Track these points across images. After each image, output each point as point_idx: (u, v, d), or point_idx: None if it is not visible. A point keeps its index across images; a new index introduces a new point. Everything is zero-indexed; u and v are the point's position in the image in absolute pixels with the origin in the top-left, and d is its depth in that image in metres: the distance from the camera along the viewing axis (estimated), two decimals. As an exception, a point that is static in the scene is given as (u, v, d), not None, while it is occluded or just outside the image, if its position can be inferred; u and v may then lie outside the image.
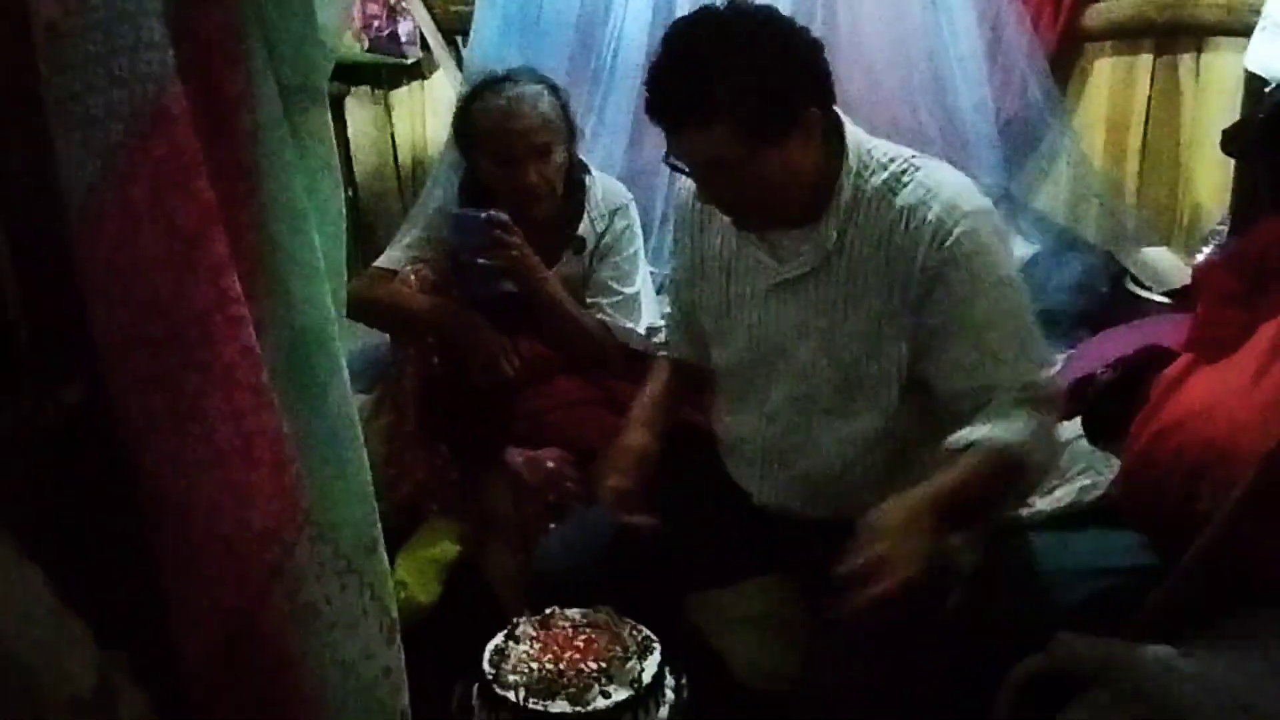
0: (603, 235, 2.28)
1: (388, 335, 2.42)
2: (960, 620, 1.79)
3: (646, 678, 1.61)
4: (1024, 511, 1.90)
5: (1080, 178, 2.84)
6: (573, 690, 1.58)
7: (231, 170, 1.02)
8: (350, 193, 3.53)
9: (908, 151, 1.67)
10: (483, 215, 2.14)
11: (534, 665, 1.62)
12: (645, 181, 2.77)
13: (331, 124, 1.10)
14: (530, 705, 1.57)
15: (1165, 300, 2.54)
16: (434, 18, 3.27)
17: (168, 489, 1.01)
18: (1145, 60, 2.87)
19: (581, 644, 1.67)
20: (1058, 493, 1.91)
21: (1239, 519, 1.44)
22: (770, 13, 1.59)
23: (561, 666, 1.61)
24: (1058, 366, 2.06)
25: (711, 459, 1.93)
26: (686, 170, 1.62)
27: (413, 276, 2.22)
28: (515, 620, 1.73)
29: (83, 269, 0.98)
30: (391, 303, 2.22)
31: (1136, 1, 2.81)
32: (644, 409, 1.90)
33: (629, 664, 1.63)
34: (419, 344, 2.19)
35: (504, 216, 2.14)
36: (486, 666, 1.65)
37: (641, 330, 2.26)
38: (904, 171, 1.62)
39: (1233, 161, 2.40)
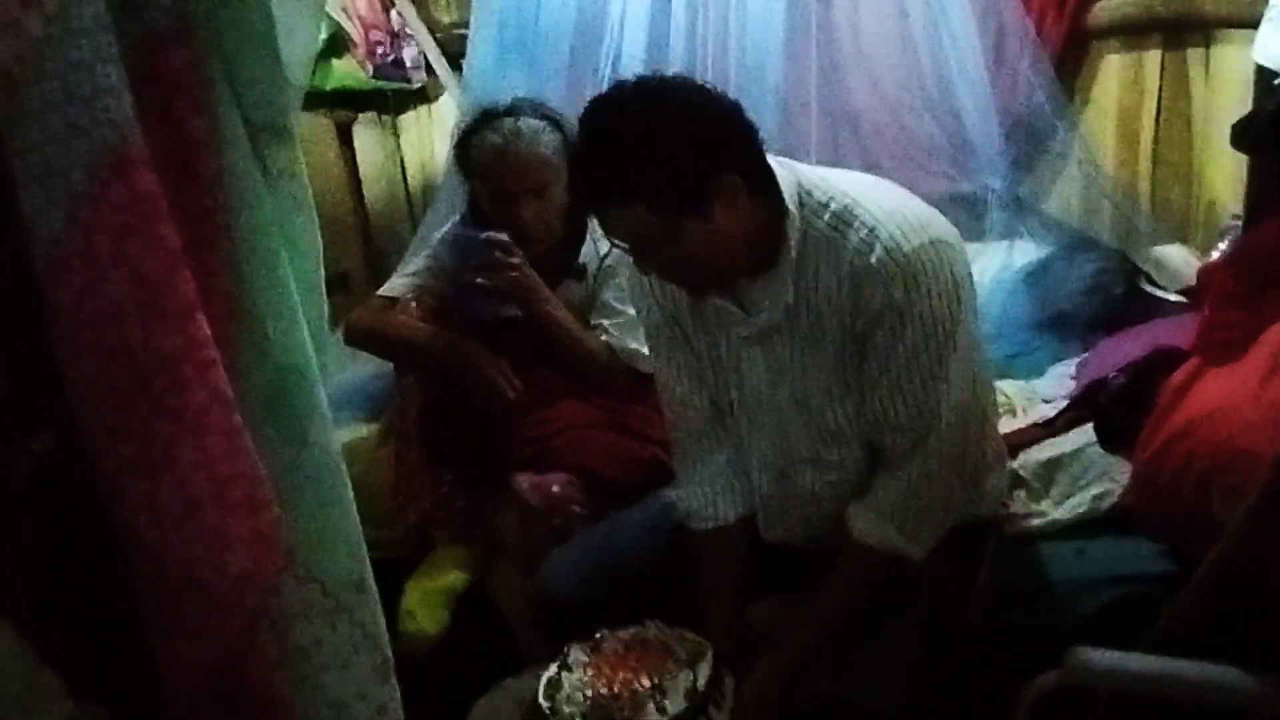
0: (605, 257, 2.26)
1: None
2: (976, 633, 1.77)
3: (701, 684, 1.61)
4: (1038, 521, 1.88)
5: (1090, 178, 2.79)
6: (628, 712, 1.58)
7: (199, 213, 1.01)
8: (361, 217, 3.55)
9: (845, 182, 1.63)
10: (482, 236, 2.13)
11: (588, 692, 1.62)
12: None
13: (303, 160, 1.09)
14: None
15: (1181, 299, 2.49)
16: (438, 42, 3.28)
17: (144, 537, 1.00)
18: (1154, 56, 2.82)
19: (634, 663, 1.66)
20: (1072, 500, 1.88)
21: (1253, 524, 1.40)
22: (680, 84, 1.56)
23: (615, 689, 1.61)
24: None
25: None
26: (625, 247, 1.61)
27: (414, 304, 2.22)
28: (566, 649, 1.71)
29: (51, 316, 0.97)
30: (388, 333, 2.22)
31: (1143, -3, 2.78)
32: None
33: (681, 675, 1.63)
34: (421, 372, 2.19)
35: (503, 237, 2.12)
36: (542, 700, 1.64)
37: (646, 351, 2.24)
38: (845, 209, 1.57)
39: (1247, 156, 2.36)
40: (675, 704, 1.59)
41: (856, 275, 1.54)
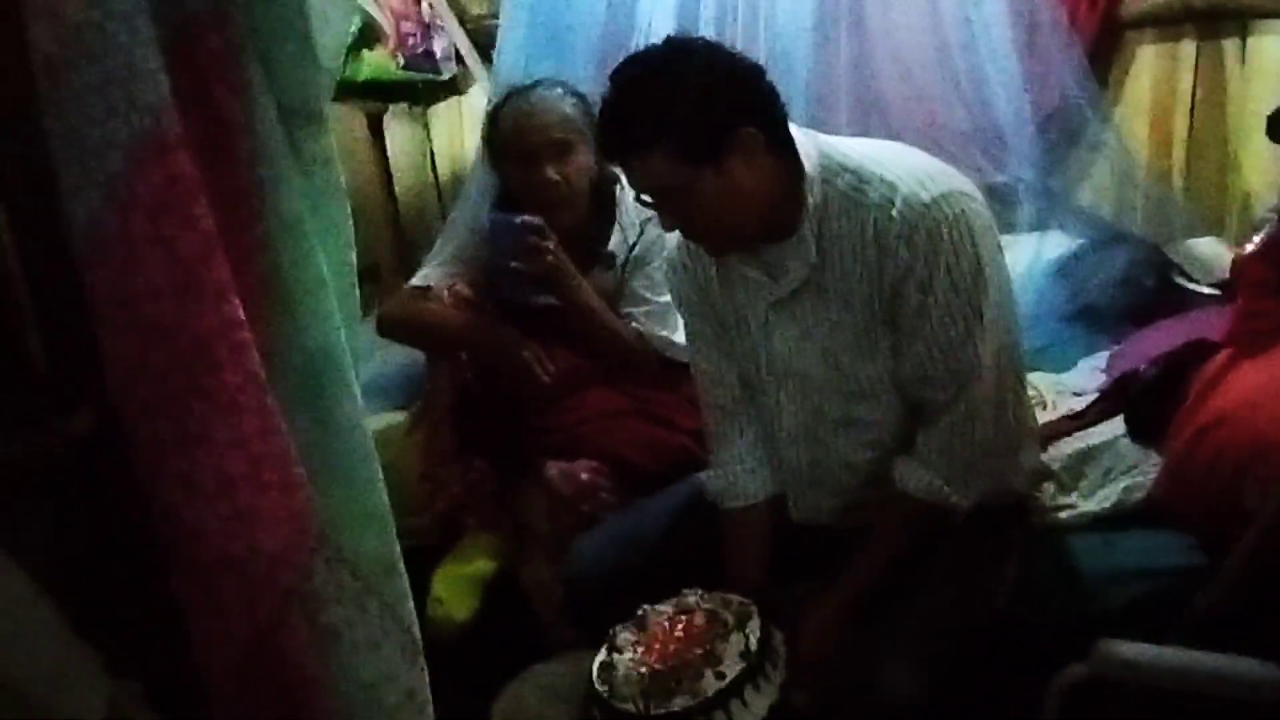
0: (634, 246, 2.26)
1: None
2: (1004, 625, 1.76)
3: (753, 645, 1.61)
4: (1067, 514, 1.87)
5: (1123, 170, 2.78)
6: (687, 682, 1.57)
7: (233, 196, 1.02)
8: (391, 209, 3.56)
9: (864, 145, 1.68)
10: (517, 220, 2.14)
11: (643, 670, 1.61)
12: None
13: (335, 146, 1.10)
14: (653, 712, 1.56)
15: (1213, 292, 2.46)
16: (468, 33, 3.29)
17: (179, 514, 1.01)
18: (1188, 46, 2.80)
19: (681, 634, 1.66)
20: (1102, 493, 1.87)
21: (1284, 518, 1.40)
22: (705, 42, 1.64)
23: (669, 663, 1.60)
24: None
25: None
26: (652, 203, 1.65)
27: (446, 293, 2.23)
28: (612, 631, 1.71)
29: (90, 297, 0.99)
30: (423, 321, 2.23)
31: (1177, -14, 2.76)
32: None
33: (732, 638, 1.62)
34: (453, 360, 2.20)
35: (538, 221, 2.13)
36: (598, 685, 1.64)
37: (676, 339, 2.25)
38: (863, 168, 1.61)
39: (1282, 147, 2.34)
40: (732, 668, 1.58)
41: (879, 231, 1.58)
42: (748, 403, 1.84)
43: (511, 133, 2.21)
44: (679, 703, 1.55)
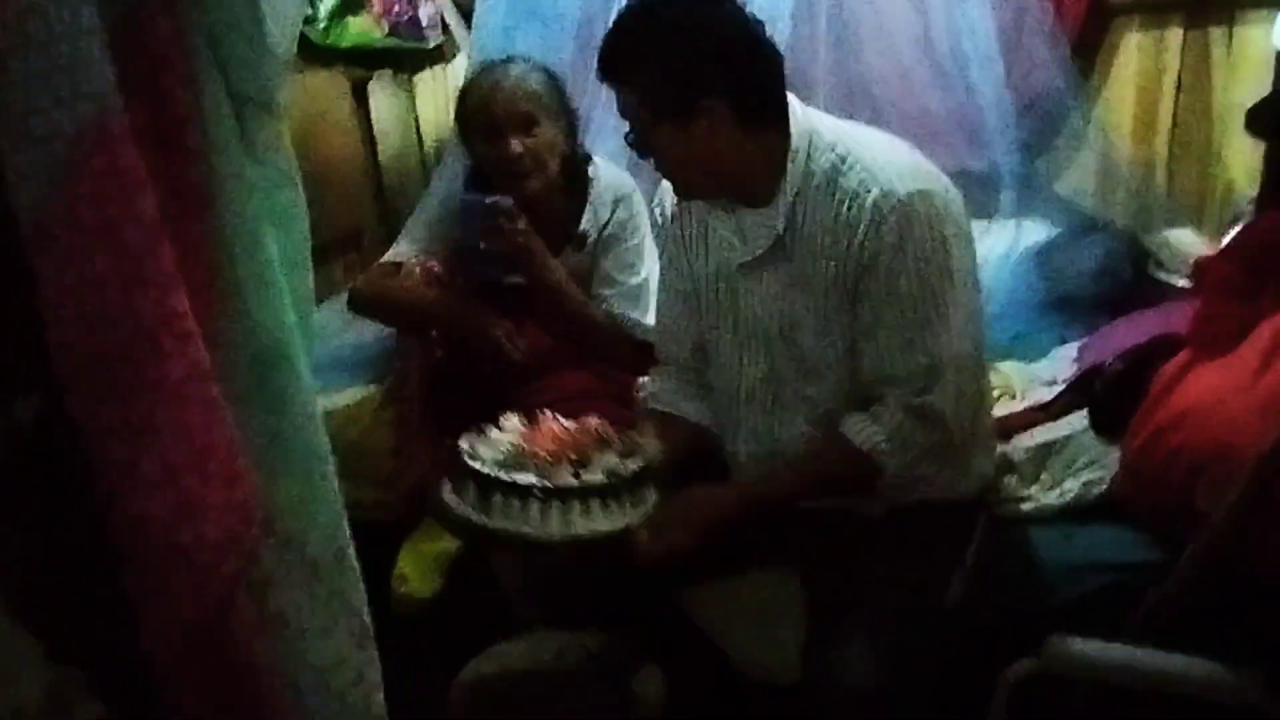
0: (605, 225, 2.26)
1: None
2: (961, 614, 1.78)
3: (625, 472, 1.63)
4: (1027, 506, 1.88)
5: (1106, 158, 2.77)
6: (544, 467, 1.59)
7: (182, 187, 1.01)
8: (375, 176, 3.54)
9: (861, 130, 1.72)
10: (487, 200, 2.14)
11: (509, 445, 1.64)
12: (653, 171, 2.75)
13: (288, 134, 1.09)
14: (498, 476, 1.58)
15: (1188, 284, 2.46)
16: (454, 2, 3.26)
17: (124, 503, 1.01)
18: (1175, 34, 2.79)
19: (565, 437, 1.67)
20: (1063, 486, 1.89)
21: (1237, 519, 1.41)
22: (716, 4, 1.65)
23: (537, 451, 1.62)
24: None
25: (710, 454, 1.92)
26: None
27: (417, 270, 2.22)
28: (505, 415, 1.73)
29: (37, 284, 0.98)
30: (394, 298, 2.23)
31: (1165, -26, 2.74)
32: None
33: (610, 459, 1.64)
34: (424, 337, 2.20)
35: (509, 202, 2.13)
36: (462, 443, 1.66)
37: (648, 321, 2.24)
38: (849, 154, 1.64)
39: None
40: (592, 477, 1.60)
41: (850, 216, 1.61)
42: (699, 366, 1.88)
43: (477, 106, 2.22)
44: (523, 477, 1.57)
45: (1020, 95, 2.70)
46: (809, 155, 1.65)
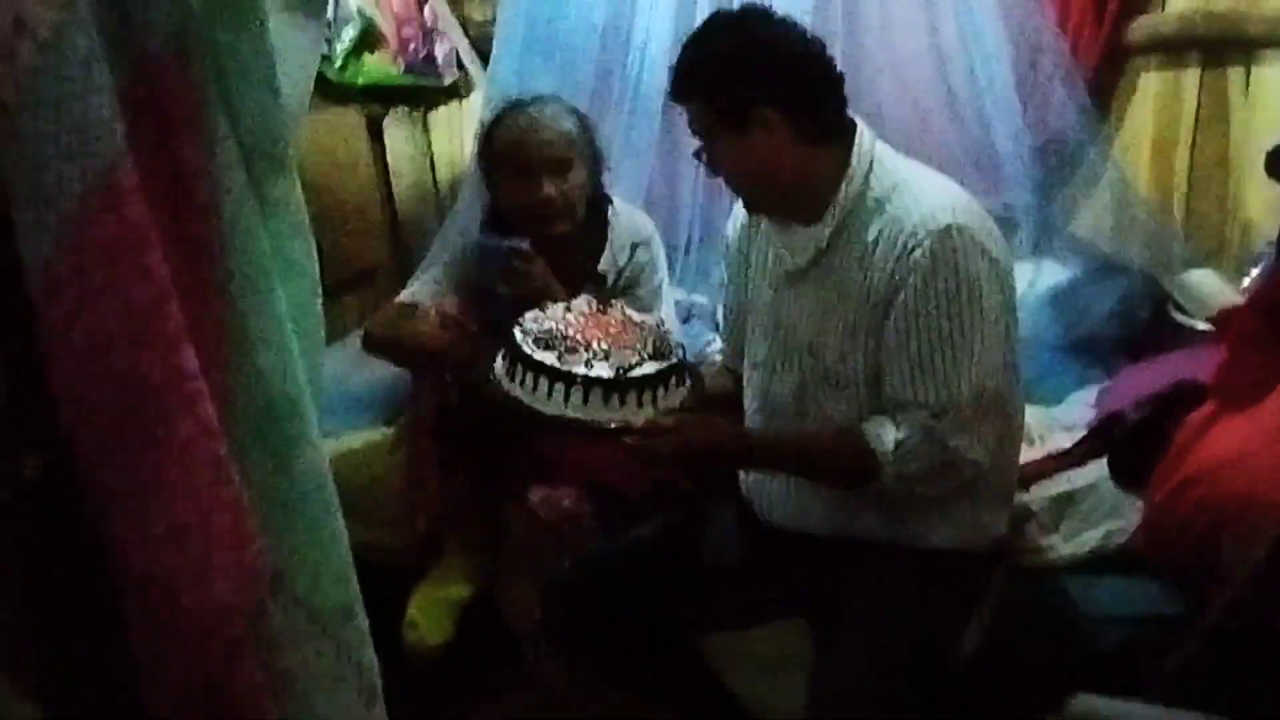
0: (624, 269, 2.25)
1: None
2: (979, 666, 1.75)
3: (635, 373, 1.72)
4: (1047, 556, 1.85)
5: (1122, 199, 2.75)
6: (562, 351, 1.73)
7: (193, 241, 1.00)
8: (390, 213, 3.54)
9: (918, 167, 1.75)
10: (504, 244, 2.13)
11: (554, 323, 1.79)
12: (670, 205, 2.76)
13: (299, 186, 1.08)
14: (522, 347, 1.74)
15: (1207, 328, 2.43)
16: (470, 39, 3.26)
17: (129, 562, 1.00)
18: (1192, 74, 2.77)
19: (616, 329, 1.81)
20: (1082, 536, 1.86)
21: (1263, 575, 1.38)
22: (773, 19, 1.73)
23: (571, 331, 1.77)
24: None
25: (728, 494, 1.94)
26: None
27: (432, 311, 2.21)
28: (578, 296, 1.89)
29: (43, 341, 0.97)
30: (407, 341, 2.21)
31: (1182, 14, 2.73)
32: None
33: (627, 355, 1.74)
34: (437, 380, 2.18)
35: (524, 245, 2.12)
36: (528, 314, 1.82)
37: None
38: (901, 182, 1.68)
39: (1280, 183, 2.31)
40: (601, 369, 1.71)
41: (889, 237, 1.64)
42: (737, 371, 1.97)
43: (511, 146, 2.20)
44: (543, 356, 1.72)
45: (1036, 135, 2.69)
46: (866, 180, 1.69)
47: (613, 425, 1.69)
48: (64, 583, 1.05)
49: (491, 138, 2.27)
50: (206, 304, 1.02)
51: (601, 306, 1.86)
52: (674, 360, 1.78)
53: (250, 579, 1.02)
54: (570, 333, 1.76)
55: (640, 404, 1.71)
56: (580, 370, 1.70)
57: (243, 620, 1.03)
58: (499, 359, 1.80)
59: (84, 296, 0.94)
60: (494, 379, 1.79)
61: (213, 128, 1.00)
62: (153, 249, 0.94)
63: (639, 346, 1.77)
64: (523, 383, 1.74)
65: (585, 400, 1.69)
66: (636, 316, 1.88)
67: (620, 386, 1.70)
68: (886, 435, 1.64)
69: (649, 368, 1.74)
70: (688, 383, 1.80)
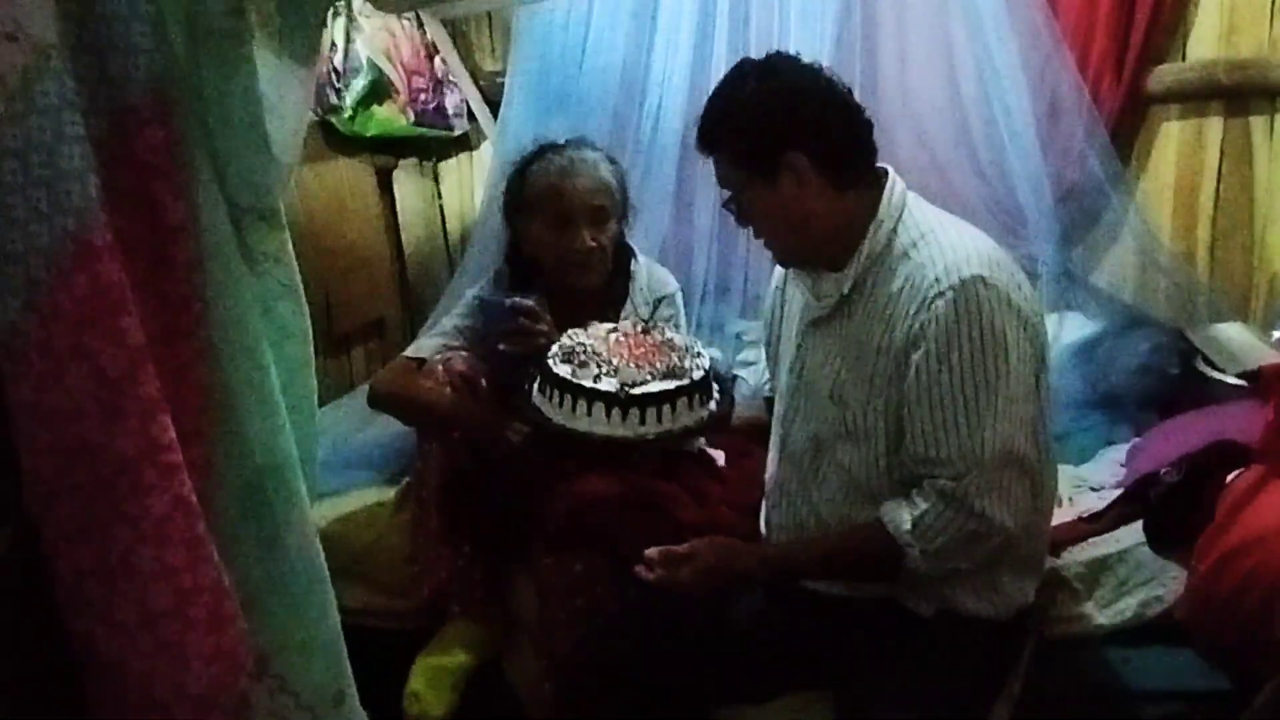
0: (648, 321, 2.17)
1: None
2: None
3: (636, 390, 1.80)
4: (1081, 626, 1.77)
5: (1145, 250, 2.69)
6: (576, 365, 1.81)
7: (174, 300, 0.94)
8: (399, 264, 3.51)
9: (947, 218, 1.71)
10: (507, 302, 2.06)
11: (588, 340, 1.88)
12: (687, 256, 2.72)
13: (290, 242, 1.02)
14: (549, 360, 1.86)
15: (1239, 383, 2.35)
16: (480, 90, 3.26)
17: (100, 648, 0.92)
18: (1215, 123, 2.74)
19: (642, 349, 1.88)
20: (1118, 605, 1.77)
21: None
22: (799, 66, 1.71)
23: (595, 346, 1.86)
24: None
25: None
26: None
27: (440, 367, 2.13)
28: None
29: (11, 410, 0.90)
30: (413, 398, 2.13)
31: (1203, 63, 2.70)
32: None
33: (641, 373, 1.82)
34: (447, 440, 2.10)
35: (529, 303, 2.06)
36: (575, 330, 1.93)
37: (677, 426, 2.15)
38: (929, 233, 1.65)
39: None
40: (607, 384, 1.79)
41: (912, 287, 1.61)
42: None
43: (548, 191, 2.14)
44: (560, 369, 1.82)
45: (1058, 185, 2.64)
46: (894, 229, 1.67)
47: (617, 438, 1.79)
48: (31, 668, 0.98)
49: (525, 178, 2.19)
50: (187, 369, 0.96)
51: (645, 327, 1.94)
52: (685, 382, 1.83)
53: (230, 666, 0.95)
54: (597, 349, 1.85)
55: (644, 420, 1.79)
56: (588, 384, 1.79)
57: (219, 713, 0.96)
58: (533, 372, 1.92)
59: (52, 364, 0.88)
60: (526, 389, 1.91)
61: (196, 181, 0.94)
62: (127, 311, 0.87)
63: (655, 366, 1.83)
64: (544, 394, 1.85)
65: (589, 413, 1.80)
66: (678, 340, 1.93)
67: (622, 402, 1.78)
68: (901, 516, 1.60)
69: (654, 386, 1.80)
70: (707, 405, 1.87)
